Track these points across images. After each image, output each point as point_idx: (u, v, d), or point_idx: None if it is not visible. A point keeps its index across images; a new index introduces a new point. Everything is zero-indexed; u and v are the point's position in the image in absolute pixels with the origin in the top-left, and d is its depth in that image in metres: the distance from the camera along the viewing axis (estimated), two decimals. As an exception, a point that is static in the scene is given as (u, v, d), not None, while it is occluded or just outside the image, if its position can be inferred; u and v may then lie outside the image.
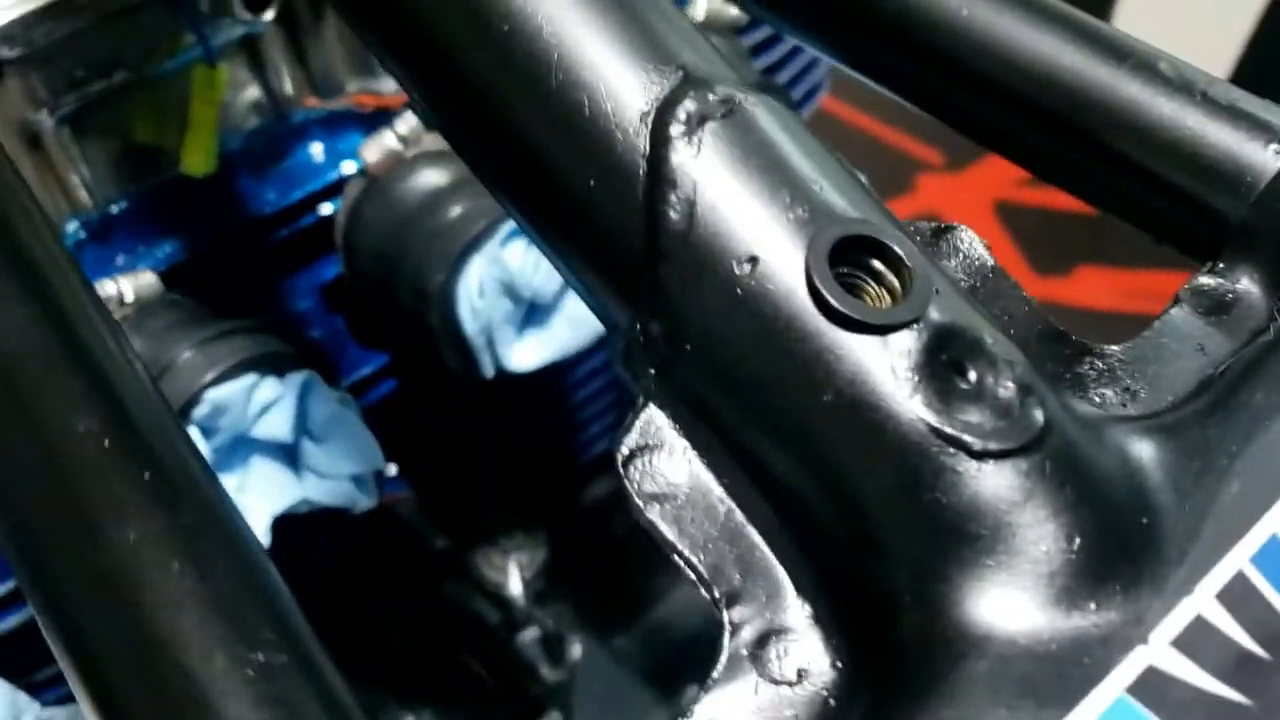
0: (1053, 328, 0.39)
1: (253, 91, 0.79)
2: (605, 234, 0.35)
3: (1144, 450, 0.33)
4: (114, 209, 0.74)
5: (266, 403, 0.65)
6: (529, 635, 0.93)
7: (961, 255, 0.39)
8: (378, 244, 0.76)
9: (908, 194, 1.94)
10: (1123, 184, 0.46)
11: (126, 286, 0.69)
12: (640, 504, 0.33)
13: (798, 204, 0.33)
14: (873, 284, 0.34)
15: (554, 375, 0.80)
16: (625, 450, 0.34)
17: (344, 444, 0.69)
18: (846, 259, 0.33)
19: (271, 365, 0.67)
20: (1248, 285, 0.42)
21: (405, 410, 0.86)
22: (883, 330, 0.31)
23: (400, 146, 0.76)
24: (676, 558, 0.33)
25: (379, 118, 0.79)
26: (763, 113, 0.35)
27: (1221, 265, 0.42)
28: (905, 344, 0.31)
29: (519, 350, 0.75)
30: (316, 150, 0.81)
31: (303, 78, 0.79)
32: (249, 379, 0.65)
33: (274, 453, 0.68)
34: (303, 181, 0.80)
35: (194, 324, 0.68)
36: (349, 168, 0.80)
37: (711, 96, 0.34)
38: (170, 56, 0.72)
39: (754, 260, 0.32)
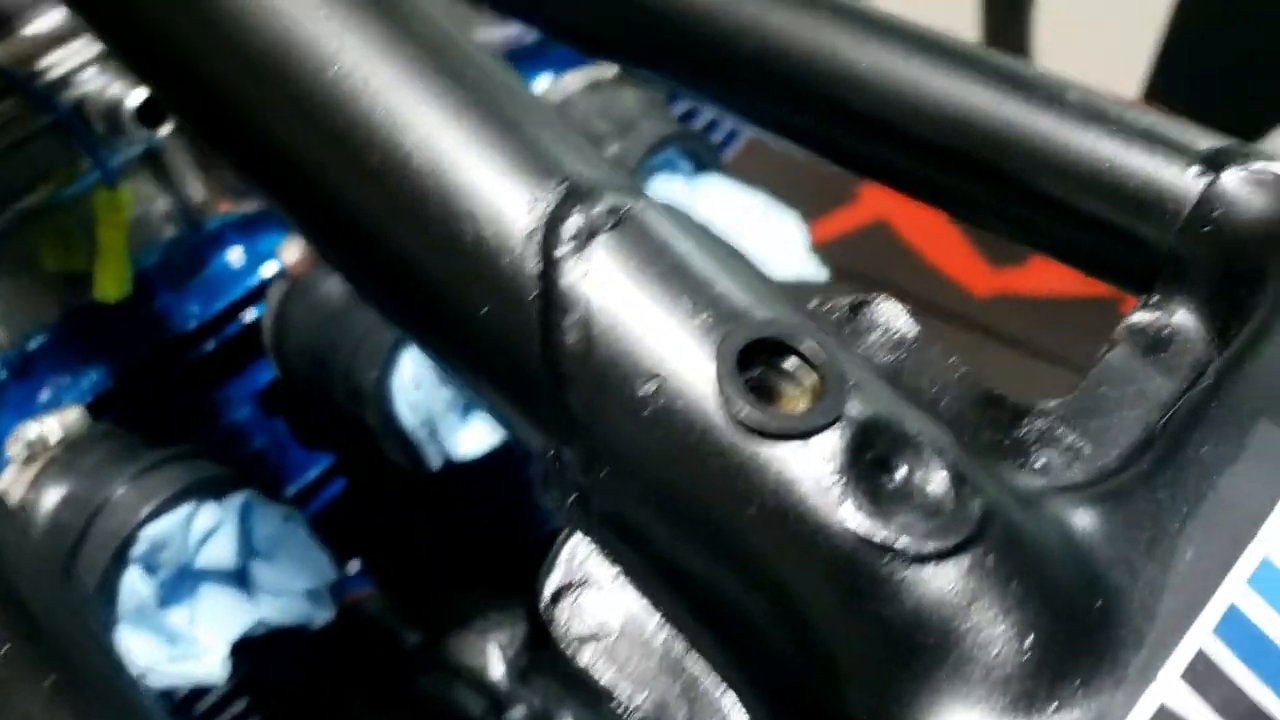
0: (987, 392, 0.38)
1: (162, 203, 0.77)
2: (505, 362, 0.33)
3: (1091, 524, 0.32)
4: (33, 344, 0.72)
5: (207, 530, 0.63)
6: (517, 716, 0.91)
7: (881, 329, 0.38)
8: (307, 346, 0.74)
9: (850, 204, 1.93)
10: (1048, 221, 0.45)
11: (53, 426, 0.67)
12: (571, 650, 0.32)
13: (700, 311, 0.32)
14: (788, 383, 0.32)
15: (506, 452, 0.78)
16: (549, 592, 0.32)
17: (293, 560, 0.67)
18: (758, 361, 0.32)
19: (209, 490, 0.65)
20: (1184, 317, 0.40)
21: (359, 507, 0.84)
22: (801, 436, 0.30)
23: (319, 244, 0.74)
24: (619, 700, 0.32)
25: (295, 215, 0.77)
26: (654, 216, 0.33)
27: (1156, 298, 0.41)
28: (826, 448, 0.30)
29: (465, 437, 0.73)
30: (235, 255, 0.79)
31: (213, 182, 0.77)
32: (186, 509, 0.63)
33: (222, 579, 0.66)
34: (225, 290, 0.78)
35: (126, 457, 0.66)
36: (270, 269, 0.78)
37: (597, 208, 0.33)
38: (70, 182, 0.71)
39: (660, 377, 0.31)
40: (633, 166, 0.80)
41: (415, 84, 0.35)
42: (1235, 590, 0.30)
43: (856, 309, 0.38)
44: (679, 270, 0.32)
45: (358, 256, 0.36)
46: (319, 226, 0.37)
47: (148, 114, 0.69)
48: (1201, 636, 0.29)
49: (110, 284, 0.71)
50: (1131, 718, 0.28)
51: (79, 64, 0.70)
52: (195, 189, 0.77)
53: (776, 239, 0.81)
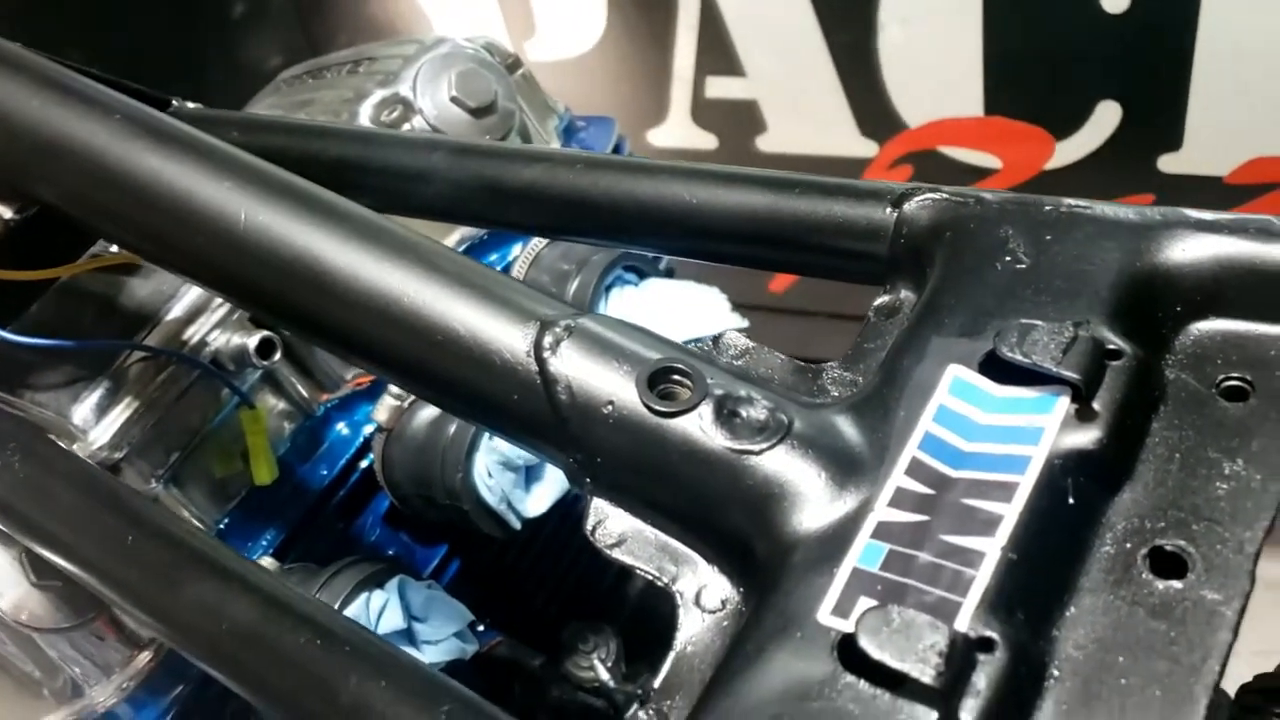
0: (798, 366, 0.64)
1: (283, 405, 1.04)
2: (531, 421, 0.59)
3: (850, 416, 0.57)
4: (222, 525, 0.99)
5: (380, 607, 0.89)
6: (631, 705, 1.16)
7: (731, 346, 0.64)
8: (409, 472, 1.01)
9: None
10: (815, 258, 0.71)
11: (255, 573, 0.93)
12: (608, 552, 0.57)
13: (624, 363, 0.58)
14: (681, 387, 0.58)
15: (565, 508, 1.04)
16: (590, 525, 0.58)
17: (441, 614, 0.93)
18: (664, 379, 0.57)
19: (374, 581, 0.91)
20: (905, 293, 0.66)
21: (471, 578, 1.10)
22: (686, 411, 0.56)
23: (399, 401, 1.01)
24: (638, 571, 0.57)
25: (376, 388, 1.05)
26: (589, 322, 0.60)
27: (888, 287, 0.67)
28: (704, 414, 0.55)
29: (531, 501, 0.99)
30: (342, 427, 1.06)
31: (313, 383, 1.05)
32: (363, 597, 0.89)
33: (397, 639, 0.91)
34: (342, 452, 1.05)
35: (311, 579, 0.92)
36: (368, 429, 1.05)
37: (558, 328, 0.59)
38: (219, 411, 0.98)
39: (612, 402, 0.57)
40: (593, 285, 1.07)
41: (454, 294, 0.61)
42: (927, 424, 0.55)
43: (716, 341, 0.65)
44: (610, 344, 0.59)
45: (433, 388, 0.63)
46: (406, 378, 0.64)
47: (262, 350, 0.96)
48: (913, 451, 0.54)
49: (263, 473, 0.98)
50: (882, 496, 0.53)
51: (208, 329, 0.97)
52: (302, 390, 1.05)
53: (706, 307, 1.08)
